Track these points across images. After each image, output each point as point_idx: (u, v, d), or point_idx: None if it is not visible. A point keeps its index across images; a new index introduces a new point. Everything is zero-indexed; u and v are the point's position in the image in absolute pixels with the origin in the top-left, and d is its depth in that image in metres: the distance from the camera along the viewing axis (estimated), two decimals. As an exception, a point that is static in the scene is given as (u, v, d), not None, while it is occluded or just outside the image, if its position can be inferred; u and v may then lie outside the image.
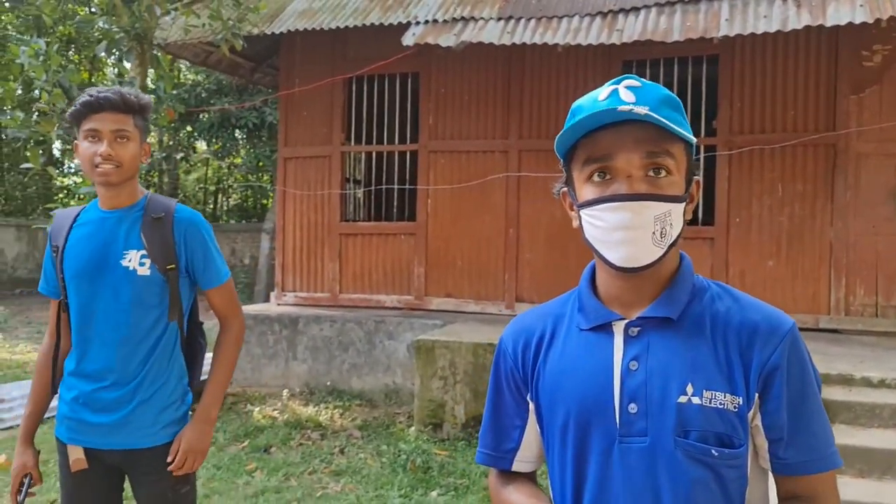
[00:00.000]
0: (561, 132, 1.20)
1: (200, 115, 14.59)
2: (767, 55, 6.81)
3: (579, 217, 1.24)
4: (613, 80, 1.22)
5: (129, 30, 6.18)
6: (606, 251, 1.19)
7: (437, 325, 6.95)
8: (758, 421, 1.20)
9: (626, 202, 1.15)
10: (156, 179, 18.09)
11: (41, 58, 5.96)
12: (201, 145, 19.82)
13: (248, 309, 8.57)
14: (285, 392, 7.15)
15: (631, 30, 6.13)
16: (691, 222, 6.28)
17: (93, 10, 13.81)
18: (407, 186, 8.13)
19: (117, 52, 6.61)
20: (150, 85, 6.68)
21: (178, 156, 19.20)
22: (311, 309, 7.87)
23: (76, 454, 2.25)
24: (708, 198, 6.99)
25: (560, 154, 1.26)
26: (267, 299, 13.26)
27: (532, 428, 1.37)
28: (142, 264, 2.24)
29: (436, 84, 7.83)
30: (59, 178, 20.83)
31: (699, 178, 1.24)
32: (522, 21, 6.61)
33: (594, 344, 1.26)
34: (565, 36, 6.27)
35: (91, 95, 2.17)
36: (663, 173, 1.16)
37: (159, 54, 6.67)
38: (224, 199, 23.86)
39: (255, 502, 4.67)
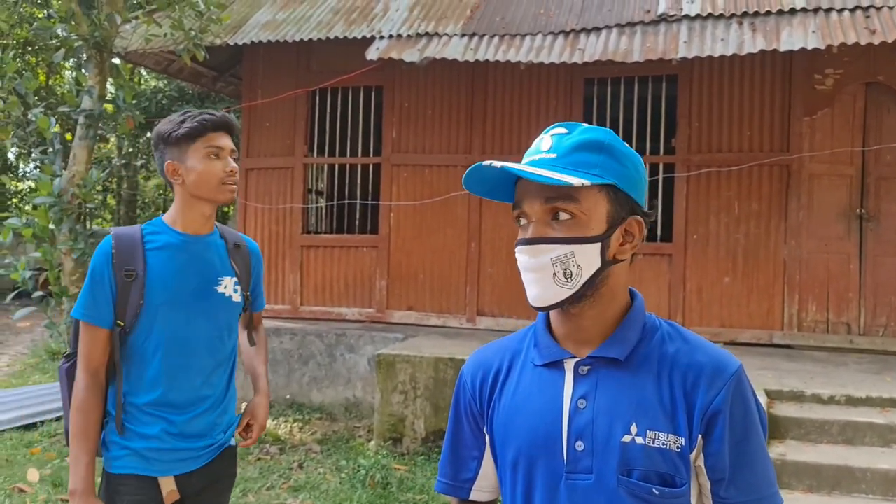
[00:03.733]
0: (463, 179, 1.27)
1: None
2: (724, 77, 6.98)
3: None
4: (547, 129, 1.27)
5: (89, 38, 6.09)
6: (526, 290, 1.25)
7: (399, 338, 6.95)
8: (701, 461, 1.23)
9: (525, 246, 1.22)
10: (114, 186, 17.82)
11: (-4, 64, 5.86)
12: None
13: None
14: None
15: (592, 49, 6.23)
16: (650, 238, 6.39)
17: (51, 13, 13.58)
18: (370, 201, 8.13)
19: (78, 60, 6.51)
20: (110, 94, 6.57)
21: (139, 163, 18.91)
22: (271, 321, 7.81)
23: (169, 486, 2.21)
24: (666, 215, 7.12)
25: (510, 199, 1.31)
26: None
27: (489, 459, 1.40)
28: (235, 291, 2.29)
29: (399, 98, 7.85)
30: (14, 183, 20.38)
31: (642, 216, 1.26)
32: (486, 38, 6.68)
33: (546, 381, 1.29)
34: (528, 54, 6.35)
35: (211, 114, 2.20)
36: (565, 216, 1.20)
37: (119, 63, 6.58)
38: (184, 206, 23.52)
39: (212, 520, 4.61)
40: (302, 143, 8.16)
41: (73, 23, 6.08)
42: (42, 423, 6.39)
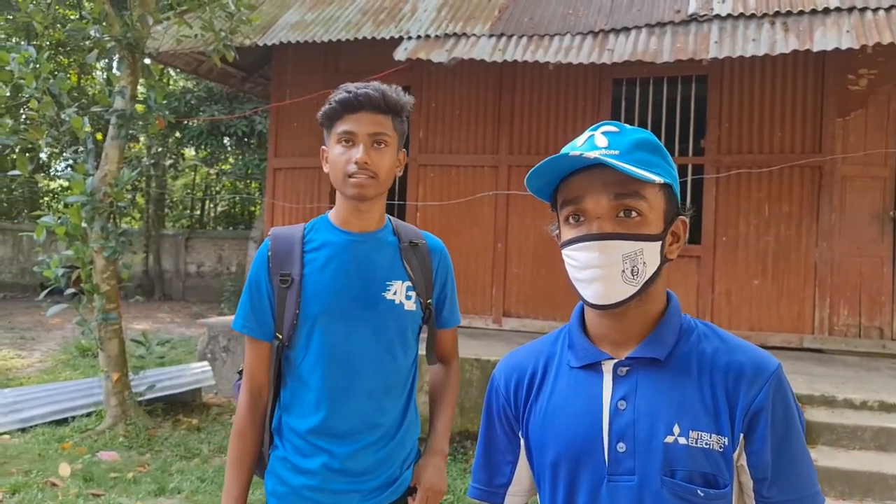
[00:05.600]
0: (526, 176, 1.25)
1: (190, 123, 14.56)
2: (755, 77, 6.90)
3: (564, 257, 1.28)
4: (593, 127, 1.26)
5: (121, 39, 6.17)
6: (582, 289, 1.22)
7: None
8: (743, 461, 1.22)
9: (593, 241, 1.19)
10: (143, 185, 18.04)
11: (31, 65, 5.95)
12: (190, 152, 19.78)
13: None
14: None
15: (622, 50, 6.19)
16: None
17: (83, 14, 13.77)
18: (396, 201, 8.15)
19: (109, 61, 6.60)
20: (140, 94, 6.65)
21: (167, 162, 19.12)
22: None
23: None
24: (695, 216, 7.05)
25: (547, 198, 1.30)
26: (253, 308, 13.21)
27: (523, 463, 1.39)
28: (408, 297, 1.90)
29: (427, 98, 7.86)
30: (46, 183, 20.71)
31: (684, 217, 1.27)
32: (514, 38, 6.67)
33: (584, 383, 1.28)
34: (556, 54, 6.33)
35: (349, 91, 1.82)
36: (634, 214, 1.19)
37: (150, 64, 6.66)
38: (211, 205, 23.78)
39: (240, 516, 4.64)
40: (329, 144, 8.19)
41: (105, 24, 6.17)
42: (73, 418, 6.47)
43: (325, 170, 1.90)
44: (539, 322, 7.40)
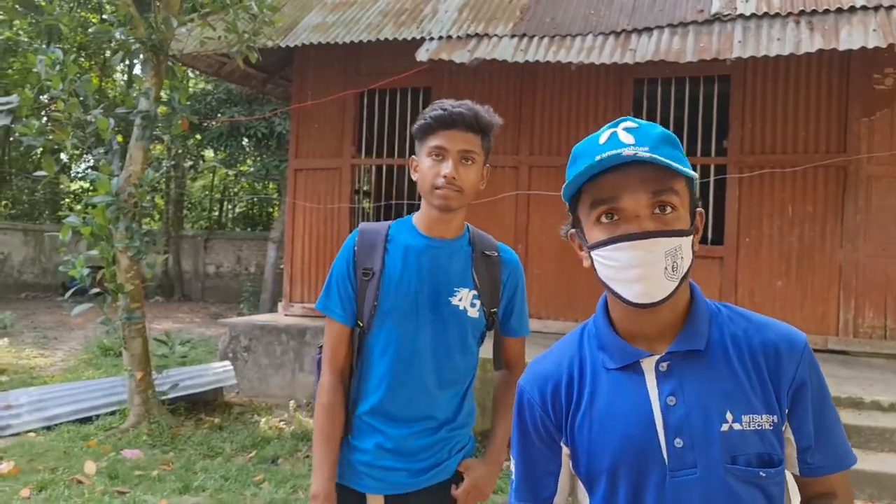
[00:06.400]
0: (568, 180, 1.23)
1: (211, 124, 14.65)
2: (779, 76, 6.85)
3: (590, 257, 1.26)
4: (611, 123, 1.26)
5: (146, 41, 6.23)
6: (621, 289, 1.21)
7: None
8: (789, 434, 1.26)
9: (638, 241, 1.17)
10: (163, 186, 18.19)
11: (57, 67, 6.02)
12: (209, 153, 19.91)
13: (256, 318, 8.59)
14: (292, 403, 7.14)
15: (644, 50, 6.17)
16: (701, 241, 6.33)
17: (104, 17, 13.89)
18: (416, 202, 8.15)
19: (130, 63, 6.66)
20: (164, 96, 6.70)
21: (187, 164, 19.26)
22: (318, 320, 7.88)
23: None
24: (718, 217, 7.01)
25: (565, 198, 1.29)
26: (271, 308, 13.28)
27: (566, 471, 1.38)
28: (472, 305, 2.03)
29: (447, 99, 7.85)
30: (67, 184, 20.92)
31: (701, 209, 1.28)
32: (536, 39, 6.66)
33: (626, 384, 1.28)
34: (579, 54, 6.31)
35: (444, 109, 1.94)
36: (669, 210, 1.19)
37: (174, 66, 6.71)
38: (230, 206, 23.93)
39: (264, 515, 4.67)
40: (350, 145, 8.23)
41: (130, 26, 6.22)
42: (97, 416, 6.53)
43: (414, 178, 2.03)
44: (560, 323, 7.38)
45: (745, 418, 1.21)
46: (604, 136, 1.23)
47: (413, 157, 2.05)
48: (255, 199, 21.89)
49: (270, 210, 22.04)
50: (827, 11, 5.96)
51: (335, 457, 2.03)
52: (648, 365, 1.26)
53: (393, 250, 2.03)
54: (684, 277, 1.21)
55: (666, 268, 1.18)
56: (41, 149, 6.55)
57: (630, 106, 7.27)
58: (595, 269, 1.26)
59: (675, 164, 1.17)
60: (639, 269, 1.18)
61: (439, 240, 2.03)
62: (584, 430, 1.30)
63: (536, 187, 7.47)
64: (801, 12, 6.03)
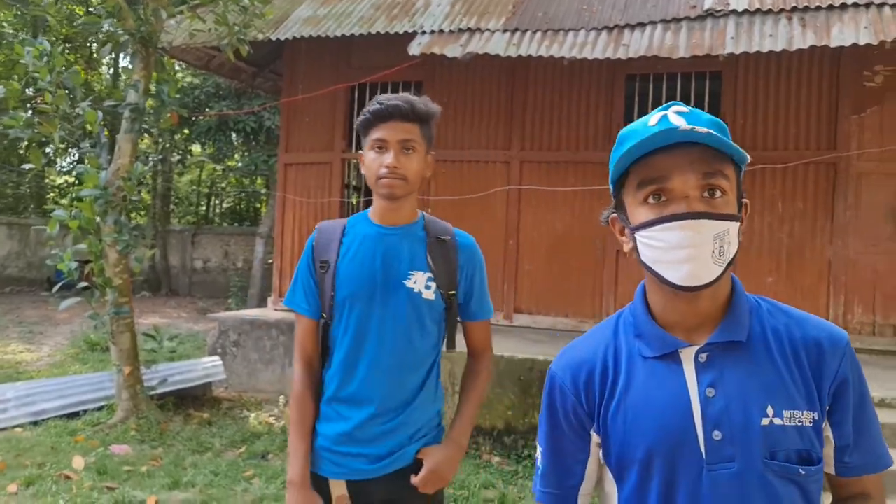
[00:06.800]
0: (614, 161, 1.22)
1: (198, 119, 14.55)
2: (770, 73, 6.86)
3: (633, 240, 1.24)
4: (661, 107, 1.24)
5: (135, 33, 6.16)
6: (666, 271, 1.19)
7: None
8: (828, 432, 1.24)
9: (687, 220, 1.15)
10: (149, 181, 18.05)
11: (45, 58, 5.94)
12: (196, 148, 19.78)
13: (245, 313, 8.54)
14: (281, 398, 7.11)
15: (637, 45, 6.16)
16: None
17: (90, 10, 13.76)
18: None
19: (116, 55, 6.59)
20: (153, 89, 6.63)
21: (175, 158, 19.12)
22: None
23: (339, 490, 2.10)
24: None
25: (612, 179, 1.27)
26: (260, 303, 13.22)
27: (594, 461, 1.36)
28: (427, 287, 2.08)
29: (439, 93, 7.83)
30: (53, 178, 20.73)
31: (747, 200, 1.26)
32: (528, 33, 6.64)
33: (664, 373, 1.25)
34: (571, 49, 6.30)
35: (380, 103, 2.04)
36: (718, 193, 1.17)
37: (163, 58, 6.65)
38: (217, 201, 23.79)
39: (255, 510, 4.64)
40: (340, 139, 8.19)
41: (119, 18, 6.15)
42: (84, 412, 6.47)
43: (363, 172, 2.11)
44: (550, 318, 7.38)
45: (786, 413, 1.19)
46: (654, 118, 1.22)
47: (360, 152, 2.14)
48: (243, 194, 21.77)
49: (258, 205, 21.93)
50: (819, 8, 5.98)
51: (307, 445, 2.10)
52: (687, 355, 1.25)
53: (348, 242, 2.12)
54: (730, 264, 1.19)
55: (713, 251, 1.15)
56: (27, 142, 6.46)
57: (622, 101, 7.27)
58: (637, 253, 1.23)
59: (732, 144, 1.15)
60: (688, 250, 1.16)
61: (392, 227, 2.11)
62: (617, 418, 1.28)
63: (528, 182, 7.45)
64: (794, 9, 6.04)
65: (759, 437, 1.18)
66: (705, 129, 1.14)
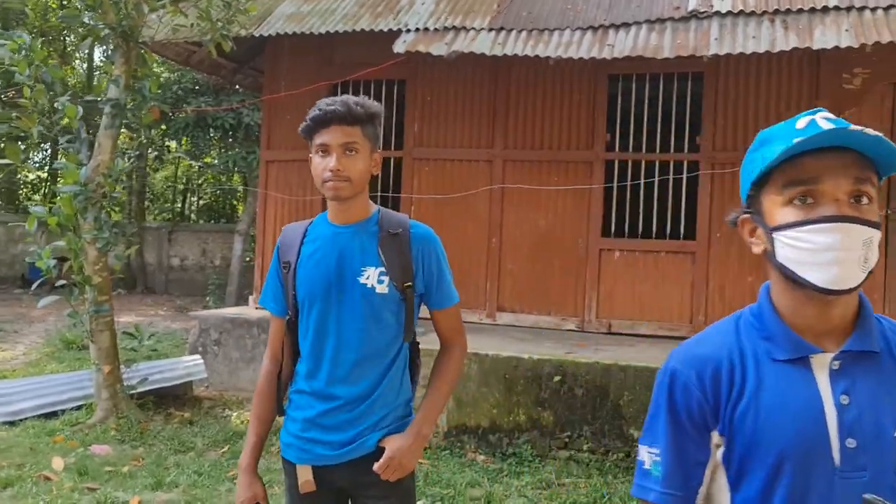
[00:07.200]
0: (758, 161, 1.22)
1: (176, 114, 14.39)
2: (751, 75, 6.93)
3: (770, 241, 1.24)
4: (807, 112, 1.24)
5: (116, 27, 6.07)
6: (810, 273, 1.18)
7: (420, 332, 6.92)
8: None
9: (841, 223, 1.16)
10: (124, 177, 17.84)
11: (23, 52, 5.84)
12: (173, 144, 19.56)
13: (226, 311, 8.47)
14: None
15: (622, 45, 6.20)
16: (673, 235, 6.30)
17: (65, 3, 13.53)
18: (391, 194, 8.10)
19: (91, 50, 6.49)
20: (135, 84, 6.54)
21: (152, 154, 18.90)
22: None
23: (305, 475, 2.19)
24: (690, 212, 7.09)
25: (750, 179, 1.27)
26: (238, 301, 13.12)
27: (713, 462, 1.32)
28: (380, 282, 2.15)
29: (422, 92, 7.82)
30: (25, 173, 20.40)
31: (887, 212, 1.29)
32: (514, 33, 6.64)
33: (796, 377, 1.25)
34: (556, 49, 6.31)
35: (320, 109, 2.09)
36: (865, 200, 1.18)
37: (145, 53, 6.56)
38: (193, 198, 23.55)
39: (239, 511, 4.59)
40: (323, 136, 8.14)
41: (100, 11, 6.06)
42: (63, 411, 6.38)
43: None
44: (533, 317, 7.40)
45: None
46: (802, 121, 1.21)
47: (310, 155, 2.20)
48: (220, 192, 21.58)
49: (235, 202, 21.74)
50: (801, 11, 6.05)
51: (258, 435, 2.27)
52: (818, 361, 1.24)
53: (308, 242, 2.22)
54: (870, 272, 1.20)
55: (860, 257, 1.16)
56: (5, 137, 6.35)
57: (605, 101, 7.30)
58: (774, 254, 1.23)
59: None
60: (838, 253, 1.15)
61: (345, 225, 2.20)
62: (746, 419, 1.25)
63: (511, 181, 7.46)
64: (776, 11, 6.10)
65: (891, 447, 1.19)
66: (874, 132, 1.14)
